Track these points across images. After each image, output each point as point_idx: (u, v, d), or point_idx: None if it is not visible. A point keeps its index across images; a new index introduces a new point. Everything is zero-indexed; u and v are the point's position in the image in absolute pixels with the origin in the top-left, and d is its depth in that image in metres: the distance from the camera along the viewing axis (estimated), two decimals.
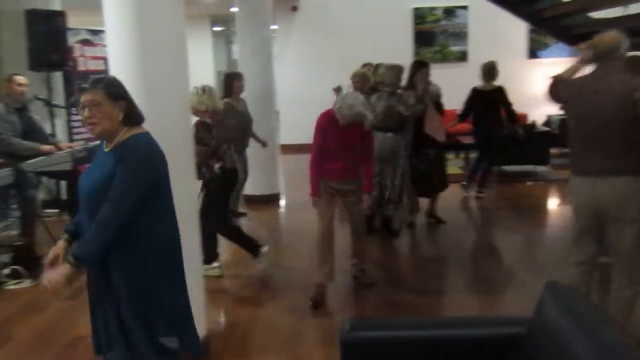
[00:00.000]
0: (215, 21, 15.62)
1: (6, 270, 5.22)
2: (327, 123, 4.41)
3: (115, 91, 2.52)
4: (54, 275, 2.46)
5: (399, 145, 5.78)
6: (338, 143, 4.42)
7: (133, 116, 2.57)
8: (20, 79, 5.54)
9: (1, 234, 5.51)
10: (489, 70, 7.26)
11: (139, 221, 2.48)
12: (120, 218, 2.43)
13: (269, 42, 7.86)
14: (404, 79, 5.98)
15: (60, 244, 2.63)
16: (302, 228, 6.26)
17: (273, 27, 8.75)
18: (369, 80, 6.10)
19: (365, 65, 7.15)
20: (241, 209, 7.17)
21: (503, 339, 2.38)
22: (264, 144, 6.83)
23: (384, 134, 5.66)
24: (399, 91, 5.79)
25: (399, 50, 10.33)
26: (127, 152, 2.48)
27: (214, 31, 15.35)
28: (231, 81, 6.48)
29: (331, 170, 4.49)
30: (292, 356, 3.79)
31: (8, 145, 5.27)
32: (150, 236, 2.52)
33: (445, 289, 5.03)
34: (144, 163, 2.49)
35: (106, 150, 2.55)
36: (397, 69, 5.79)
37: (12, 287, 5.10)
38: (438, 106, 6.22)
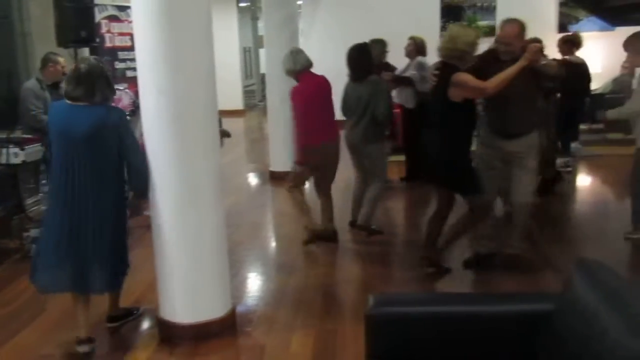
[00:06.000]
0: None
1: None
2: None
3: None
4: None
5: None
6: None
7: None
8: (63, 60, 5.65)
9: (32, 209, 5.61)
10: None
11: None
12: None
13: (295, 17, 7.81)
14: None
15: None
16: None
17: (298, 1, 8.67)
18: None
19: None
20: None
21: (532, 315, 2.36)
22: None
23: None
24: None
25: (426, 25, 10.20)
26: None
27: (239, 7, 15.29)
28: None
29: None
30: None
31: (39, 121, 5.33)
32: None
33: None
34: None
35: None
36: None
37: None
38: None
